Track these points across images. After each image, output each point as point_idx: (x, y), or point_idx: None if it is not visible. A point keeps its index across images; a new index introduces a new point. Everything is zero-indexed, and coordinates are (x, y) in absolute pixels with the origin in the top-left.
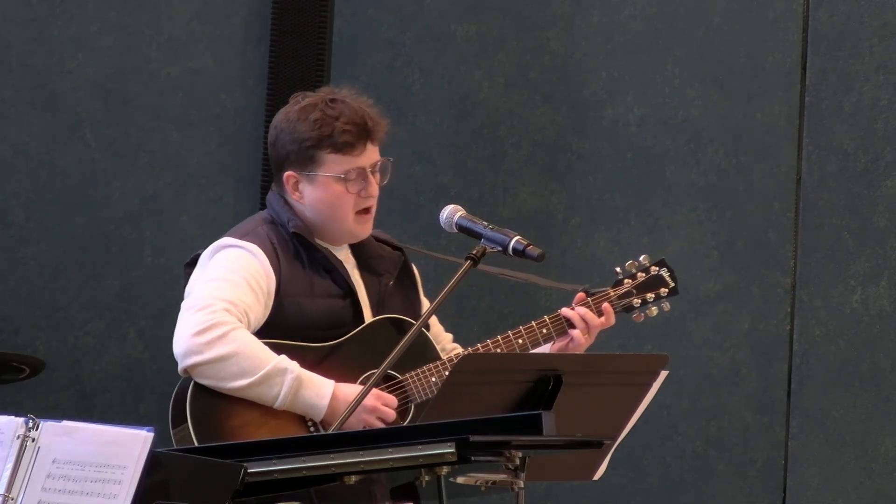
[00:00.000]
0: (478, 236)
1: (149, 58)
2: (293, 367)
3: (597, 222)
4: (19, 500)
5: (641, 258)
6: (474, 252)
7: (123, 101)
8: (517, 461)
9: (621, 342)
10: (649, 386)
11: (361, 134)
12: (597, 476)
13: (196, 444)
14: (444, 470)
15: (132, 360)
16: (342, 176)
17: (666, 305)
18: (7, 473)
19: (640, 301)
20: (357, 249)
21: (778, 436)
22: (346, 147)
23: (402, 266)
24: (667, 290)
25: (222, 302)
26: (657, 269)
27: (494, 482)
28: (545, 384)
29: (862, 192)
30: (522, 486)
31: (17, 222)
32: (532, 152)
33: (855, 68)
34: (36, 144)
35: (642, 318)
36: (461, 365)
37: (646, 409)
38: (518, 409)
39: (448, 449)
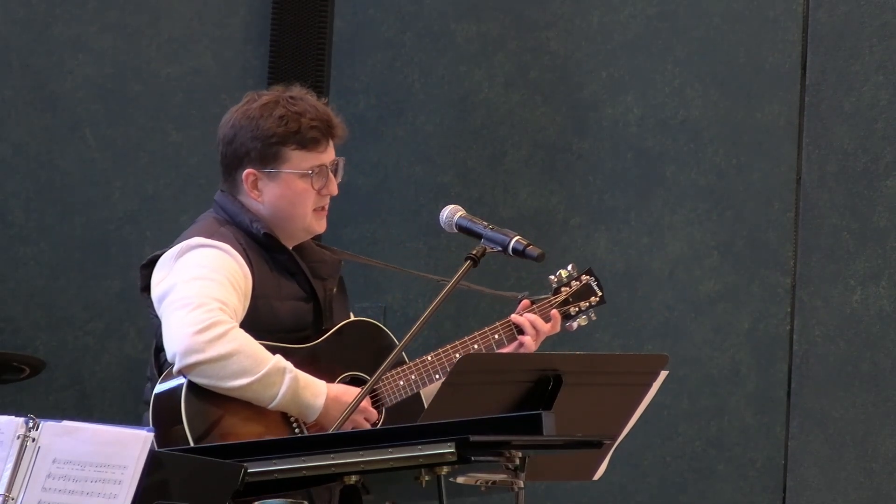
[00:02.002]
0: (478, 236)
1: (149, 58)
2: (290, 366)
3: (597, 222)
4: (19, 500)
5: (570, 267)
6: (474, 252)
7: (123, 101)
8: (517, 461)
9: (621, 342)
10: (649, 386)
11: (327, 131)
12: (597, 476)
13: (192, 444)
14: (444, 470)
15: (132, 360)
16: (308, 172)
17: (593, 315)
18: (7, 473)
19: (576, 309)
20: (299, 252)
21: (778, 436)
22: (312, 143)
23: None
24: (597, 298)
25: (215, 301)
26: (587, 277)
27: (494, 482)
28: (545, 384)
29: (862, 192)
30: (522, 486)
31: (17, 222)
32: (532, 152)
33: (855, 68)
34: (36, 144)
35: (575, 328)
36: (461, 365)
37: (646, 409)
38: (518, 409)
39: (448, 449)
